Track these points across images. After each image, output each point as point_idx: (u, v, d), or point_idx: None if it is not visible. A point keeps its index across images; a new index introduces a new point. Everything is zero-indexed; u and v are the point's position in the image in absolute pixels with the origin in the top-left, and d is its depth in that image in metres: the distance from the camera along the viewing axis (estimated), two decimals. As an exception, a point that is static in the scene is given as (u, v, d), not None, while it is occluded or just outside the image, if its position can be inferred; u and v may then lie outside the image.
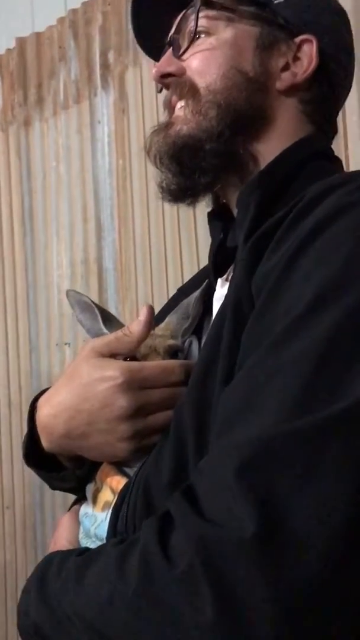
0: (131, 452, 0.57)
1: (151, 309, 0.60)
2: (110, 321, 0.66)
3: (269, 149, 0.63)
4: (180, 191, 0.64)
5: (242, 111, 0.62)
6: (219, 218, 0.69)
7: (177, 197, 0.65)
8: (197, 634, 0.37)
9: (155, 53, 0.72)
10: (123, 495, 0.55)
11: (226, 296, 0.57)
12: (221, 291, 0.65)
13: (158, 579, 0.40)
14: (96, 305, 0.66)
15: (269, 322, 0.46)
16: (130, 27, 1.77)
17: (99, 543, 0.56)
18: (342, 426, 0.38)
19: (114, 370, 0.56)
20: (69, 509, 0.68)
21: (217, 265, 0.67)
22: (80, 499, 0.66)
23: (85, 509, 0.62)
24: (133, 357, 0.61)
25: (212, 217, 0.71)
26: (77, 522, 0.63)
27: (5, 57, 2.17)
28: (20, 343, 2.12)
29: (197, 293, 0.69)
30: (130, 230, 1.76)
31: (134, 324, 0.60)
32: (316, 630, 0.37)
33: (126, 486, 0.56)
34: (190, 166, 0.62)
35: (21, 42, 2.10)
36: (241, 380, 0.46)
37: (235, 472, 0.39)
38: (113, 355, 0.59)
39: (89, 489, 0.63)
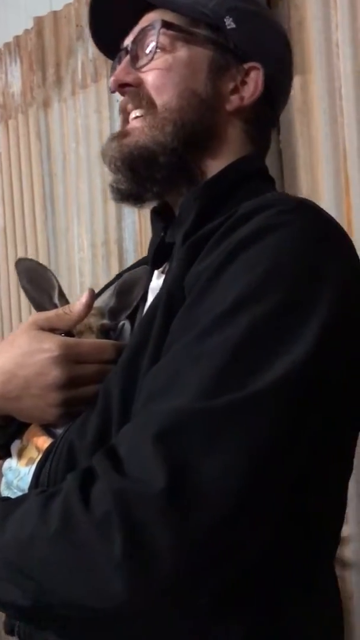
0: (59, 418, 0.63)
1: (93, 292, 0.66)
2: (62, 297, 0.71)
3: (215, 163, 0.69)
4: (130, 195, 0.70)
5: (194, 129, 0.68)
6: (159, 216, 0.75)
7: (126, 199, 0.71)
8: (105, 568, 0.45)
9: (106, 48, 0.77)
10: (47, 453, 0.62)
11: (160, 289, 0.64)
12: (157, 282, 0.73)
13: (77, 522, 0.47)
14: (56, 279, 0.71)
15: (196, 315, 0.54)
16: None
17: (20, 494, 0.62)
18: (243, 409, 0.47)
19: (52, 344, 0.62)
20: None
21: (156, 258, 0.74)
22: (1, 457, 0.73)
23: (9, 463, 0.69)
24: (70, 333, 0.66)
25: (154, 214, 0.76)
26: None
27: (23, 38, 2.15)
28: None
29: (135, 276, 0.75)
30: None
31: (76, 305, 0.66)
32: (208, 572, 0.47)
33: (52, 445, 0.62)
34: (144, 175, 0.68)
35: (39, 21, 2.07)
36: (168, 361, 0.54)
37: (153, 436, 0.47)
38: (52, 330, 0.65)
39: (15, 446, 0.69)
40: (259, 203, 0.59)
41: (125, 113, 0.72)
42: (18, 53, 2.18)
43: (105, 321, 0.70)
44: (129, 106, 0.71)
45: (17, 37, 2.18)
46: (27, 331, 0.65)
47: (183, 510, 0.45)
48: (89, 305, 0.65)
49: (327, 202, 1.31)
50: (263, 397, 0.48)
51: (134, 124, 0.70)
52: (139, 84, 0.69)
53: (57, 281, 0.71)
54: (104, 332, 0.69)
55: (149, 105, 0.69)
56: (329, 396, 0.53)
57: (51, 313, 0.66)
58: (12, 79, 2.22)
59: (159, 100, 0.68)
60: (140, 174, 0.68)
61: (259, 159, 0.73)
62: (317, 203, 1.32)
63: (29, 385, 0.62)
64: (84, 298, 0.65)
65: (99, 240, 1.90)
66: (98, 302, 0.72)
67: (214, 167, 0.69)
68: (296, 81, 1.35)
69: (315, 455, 0.53)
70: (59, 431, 0.64)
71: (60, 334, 0.65)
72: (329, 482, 0.60)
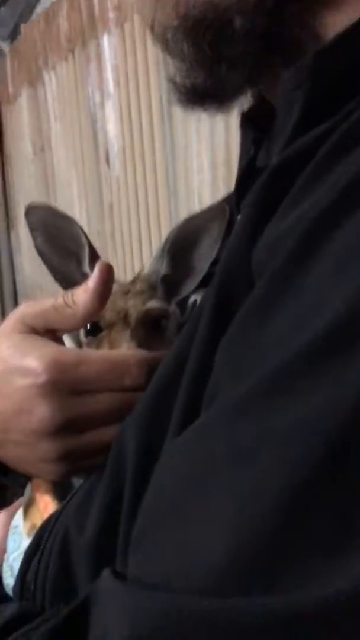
0: (62, 475, 0.41)
1: (109, 268, 0.40)
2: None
3: (340, 19, 0.35)
4: (198, 93, 0.40)
5: None
6: (255, 122, 0.45)
7: (193, 100, 0.41)
8: None
9: None
10: (39, 537, 0.39)
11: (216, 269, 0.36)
12: None
13: None
14: (86, 236, 0.47)
15: (260, 341, 0.26)
16: None
17: (11, 581, 0.41)
18: (325, 622, 0.21)
19: (37, 361, 0.39)
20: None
21: (242, 192, 0.44)
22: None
23: (18, 519, 0.45)
24: (96, 325, 0.44)
25: (246, 119, 0.47)
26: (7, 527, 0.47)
27: None
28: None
29: (199, 221, 0.47)
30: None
31: (78, 292, 0.40)
32: None
33: (48, 521, 0.39)
34: (212, 55, 0.38)
35: None
36: (191, 444, 0.27)
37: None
38: (51, 332, 0.42)
39: (27, 491, 0.46)
40: None
41: None
42: None
43: (154, 304, 0.46)
44: None
45: None
46: (9, 334, 0.41)
47: None
48: (100, 291, 0.40)
49: None
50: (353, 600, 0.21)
51: None
52: None
53: (88, 238, 0.48)
54: (150, 323, 0.45)
55: None
56: None
57: (47, 304, 0.42)
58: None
59: None
60: (206, 52, 0.38)
61: None
62: None
63: (8, 427, 0.40)
64: (92, 280, 0.40)
65: (219, 159, 1.67)
66: (145, 271, 0.50)
67: (338, 25, 0.35)
68: None
69: None
70: (75, 482, 0.42)
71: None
72: None
